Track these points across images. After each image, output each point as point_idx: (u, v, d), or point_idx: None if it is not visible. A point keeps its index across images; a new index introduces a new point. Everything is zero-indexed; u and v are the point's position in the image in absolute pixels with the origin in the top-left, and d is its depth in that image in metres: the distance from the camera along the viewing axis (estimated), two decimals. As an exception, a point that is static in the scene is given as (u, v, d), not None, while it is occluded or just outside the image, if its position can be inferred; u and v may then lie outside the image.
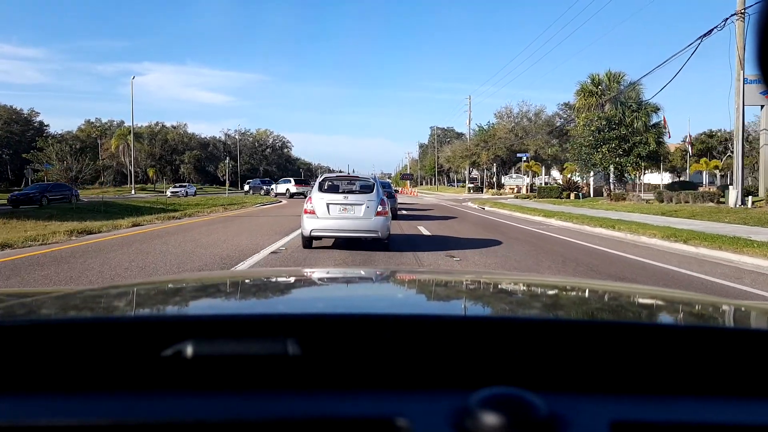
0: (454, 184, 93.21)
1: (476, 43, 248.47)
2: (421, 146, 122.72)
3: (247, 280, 1.64)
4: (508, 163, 60.43)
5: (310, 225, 9.88)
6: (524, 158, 43.47)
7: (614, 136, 28.74)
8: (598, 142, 28.84)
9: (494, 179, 62.54)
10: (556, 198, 36.08)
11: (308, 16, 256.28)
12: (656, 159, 29.86)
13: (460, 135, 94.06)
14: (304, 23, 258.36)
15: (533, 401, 0.63)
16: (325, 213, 9.90)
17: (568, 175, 45.57)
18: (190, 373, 0.75)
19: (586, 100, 33.17)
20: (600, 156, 28.69)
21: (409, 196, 55.21)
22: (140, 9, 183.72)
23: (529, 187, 57.86)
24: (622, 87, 32.30)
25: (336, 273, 2.51)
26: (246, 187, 59.25)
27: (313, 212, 9.96)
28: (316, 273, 2.37)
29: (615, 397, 0.71)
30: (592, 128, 28.84)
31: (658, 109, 32.73)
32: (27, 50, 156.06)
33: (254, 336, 0.78)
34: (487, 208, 29.03)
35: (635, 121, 31.93)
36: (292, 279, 1.72)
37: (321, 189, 10.49)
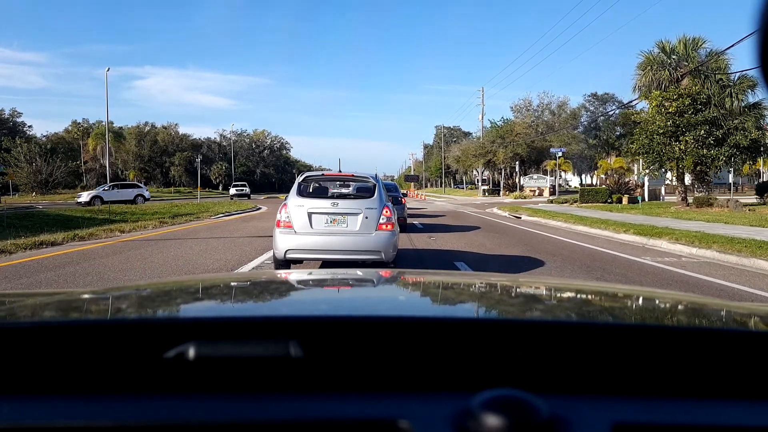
0: (463, 186, 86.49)
1: (479, 45, 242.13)
2: (425, 147, 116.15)
3: (249, 282, 1.66)
4: (527, 162, 53.42)
5: (284, 243, 7.10)
6: (559, 154, 36.49)
7: (702, 119, 21.13)
8: (679, 129, 21.34)
9: (512, 180, 55.51)
10: (605, 203, 28.98)
11: (309, 19, 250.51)
12: (756, 151, 22.16)
13: (467, 134, 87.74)
14: (306, 27, 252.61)
15: (535, 403, 0.63)
16: (306, 226, 7.14)
17: (603, 174, 38.56)
18: (193, 375, 0.74)
19: (654, 74, 25.32)
20: (682, 147, 21.17)
21: (416, 199, 48.64)
22: (140, 13, 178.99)
23: (552, 190, 51.07)
24: (701, 58, 24.81)
25: (338, 275, 2.23)
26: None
27: (288, 225, 7.14)
28: (319, 275, 2.26)
29: (616, 399, 0.71)
30: (671, 110, 21.31)
31: (755, 84, 24.79)
32: (29, 55, 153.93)
33: (256, 338, 0.78)
34: (525, 217, 22.07)
35: (727, 99, 24.40)
36: (294, 281, 1.65)
37: (301, 192, 7.62)
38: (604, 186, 31.91)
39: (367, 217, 7.15)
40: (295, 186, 7.72)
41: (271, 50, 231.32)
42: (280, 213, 7.32)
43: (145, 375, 0.74)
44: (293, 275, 1.98)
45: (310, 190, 8.01)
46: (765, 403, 0.73)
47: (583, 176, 65.34)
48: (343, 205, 7.30)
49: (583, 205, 28.96)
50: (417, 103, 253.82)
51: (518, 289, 1.54)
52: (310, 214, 7.17)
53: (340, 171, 9.53)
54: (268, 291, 1.44)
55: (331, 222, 7.19)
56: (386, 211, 7.28)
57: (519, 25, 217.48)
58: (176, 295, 1.35)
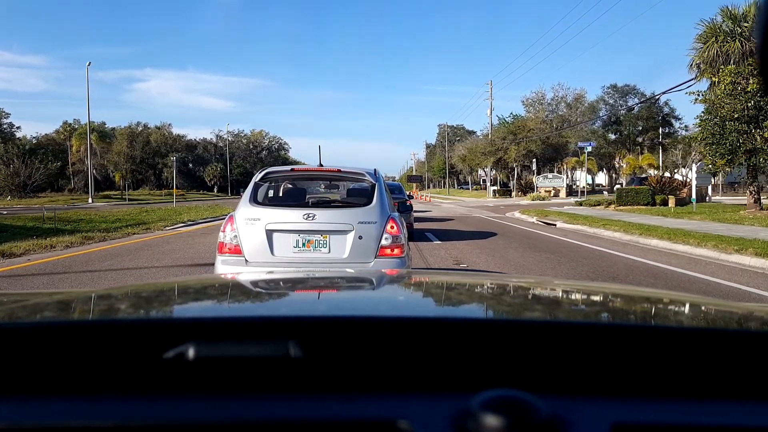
0: (468, 186, 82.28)
1: (481, 43, 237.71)
2: (428, 146, 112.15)
3: (249, 282, 1.64)
4: (541, 160, 49.13)
5: None
6: (588, 148, 32.22)
7: (792, 99, 16.23)
8: (763, 112, 16.73)
9: (524, 180, 51.17)
10: (647, 205, 24.66)
11: (310, 20, 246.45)
12: None
13: (471, 132, 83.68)
14: (306, 28, 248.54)
15: (534, 403, 0.63)
16: (263, 252, 4.72)
17: (629, 172, 34.29)
18: (192, 376, 0.74)
19: (720, 46, 20.65)
20: (766, 134, 16.43)
21: (420, 201, 44.54)
22: (140, 16, 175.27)
23: (569, 190, 46.84)
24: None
25: (337, 274, 2.27)
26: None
27: (235, 250, 4.73)
28: (318, 274, 2.24)
29: (616, 399, 0.71)
30: (749, 88, 16.60)
31: None
32: (28, 58, 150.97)
33: (256, 338, 0.78)
34: (561, 224, 17.85)
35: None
36: (294, 281, 1.62)
37: (257, 198, 5.11)
38: (646, 185, 27.55)
39: (361, 237, 4.74)
40: (249, 188, 5.13)
41: (271, 52, 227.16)
42: (223, 231, 4.84)
43: (145, 375, 0.74)
44: (293, 274, 1.90)
45: (277, 195, 5.78)
46: (765, 403, 0.72)
47: (596, 175, 60.88)
48: (324, 217, 4.80)
49: (623, 208, 24.66)
50: (418, 103, 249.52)
51: (518, 289, 1.50)
52: (269, 233, 4.74)
53: (321, 165, 5.80)
54: (267, 291, 1.43)
55: (303, 245, 4.75)
56: (391, 226, 4.80)
57: (523, 20, 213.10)
58: (176, 295, 1.34)
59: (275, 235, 4.72)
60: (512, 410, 0.61)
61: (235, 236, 4.74)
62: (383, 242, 4.72)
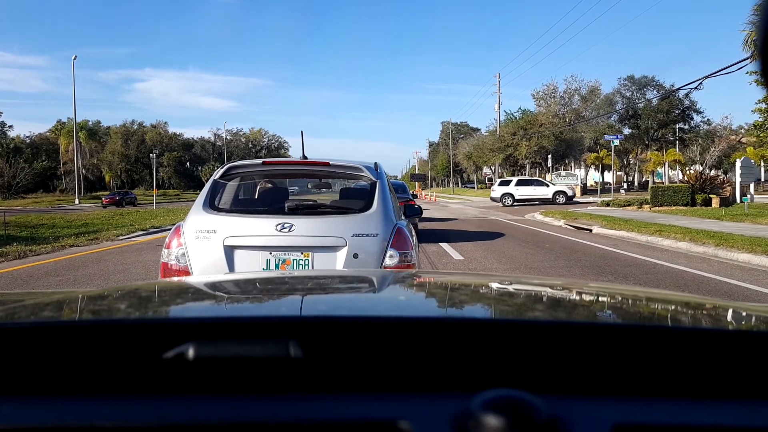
0: (473, 185, 79.41)
1: (482, 42, 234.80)
2: (431, 144, 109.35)
3: (249, 281, 1.64)
4: (554, 156, 46.22)
5: None
6: (615, 141, 29.38)
7: None
8: None
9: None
10: (687, 206, 21.77)
11: (311, 22, 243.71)
12: None
13: (476, 130, 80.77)
14: (307, 29, 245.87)
15: (535, 403, 0.63)
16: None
17: (653, 169, 31.41)
18: (192, 376, 0.74)
19: None
20: None
21: (424, 201, 41.74)
22: (140, 17, 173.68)
23: (583, 188, 43.99)
24: None
25: (337, 274, 2.21)
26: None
27: (183, 273, 3.64)
28: (318, 273, 2.21)
29: (617, 400, 0.71)
30: None
31: None
32: (30, 59, 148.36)
33: (256, 338, 0.77)
34: (598, 229, 15.05)
35: None
36: (293, 280, 1.62)
37: (214, 203, 3.95)
38: (683, 183, 24.67)
39: (357, 255, 3.57)
40: (206, 189, 3.89)
41: (273, 51, 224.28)
42: (167, 247, 3.65)
43: (145, 375, 0.74)
44: (292, 275, 1.89)
45: (250, 197, 4.64)
46: (765, 403, 0.72)
47: (605, 172, 57.88)
48: (305, 227, 3.61)
49: (660, 209, 21.75)
50: (420, 102, 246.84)
51: (519, 289, 1.50)
52: (229, 251, 3.59)
53: (304, 157, 4.29)
54: (267, 290, 1.42)
55: (277, 267, 3.61)
56: (398, 240, 3.62)
57: (527, 17, 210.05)
58: (176, 294, 1.34)
59: (237, 252, 3.62)
60: (513, 410, 0.61)
61: (183, 254, 3.61)
62: (387, 261, 3.60)
